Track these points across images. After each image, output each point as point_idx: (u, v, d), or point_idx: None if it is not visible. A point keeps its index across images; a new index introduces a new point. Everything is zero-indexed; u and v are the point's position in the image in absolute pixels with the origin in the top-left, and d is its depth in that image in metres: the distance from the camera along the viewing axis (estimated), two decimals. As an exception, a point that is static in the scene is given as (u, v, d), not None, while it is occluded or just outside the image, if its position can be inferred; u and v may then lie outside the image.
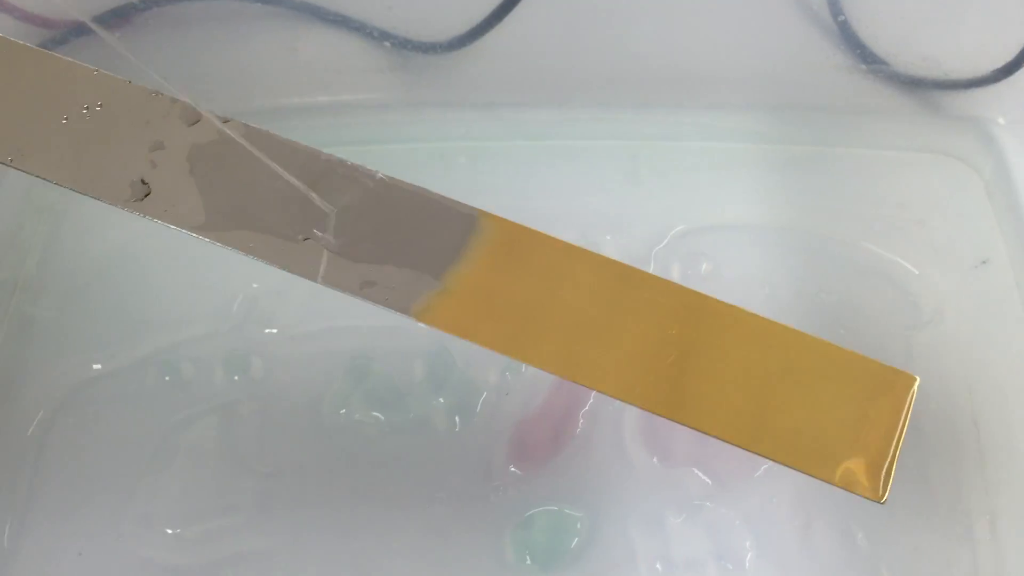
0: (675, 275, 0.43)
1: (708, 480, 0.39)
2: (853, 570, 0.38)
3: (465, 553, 0.38)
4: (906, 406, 0.23)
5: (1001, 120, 0.45)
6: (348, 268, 0.24)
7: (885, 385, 0.23)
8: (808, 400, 0.23)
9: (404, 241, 0.24)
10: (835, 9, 0.43)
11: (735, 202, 0.45)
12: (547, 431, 0.40)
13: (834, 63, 0.44)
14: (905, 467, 0.39)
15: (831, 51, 0.44)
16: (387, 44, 0.45)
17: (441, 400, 0.41)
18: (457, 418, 0.40)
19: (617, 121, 0.46)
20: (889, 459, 0.23)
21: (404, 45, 0.45)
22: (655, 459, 0.39)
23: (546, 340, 0.24)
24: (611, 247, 0.43)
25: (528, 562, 0.38)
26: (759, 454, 0.23)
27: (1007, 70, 0.43)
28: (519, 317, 0.24)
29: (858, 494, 0.23)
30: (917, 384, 0.23)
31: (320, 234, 0.24)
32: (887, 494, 0.23)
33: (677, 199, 0.45)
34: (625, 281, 0.24)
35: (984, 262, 0.43)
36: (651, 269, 0.43)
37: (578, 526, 0.38)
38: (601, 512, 0.39)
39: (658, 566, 0.38)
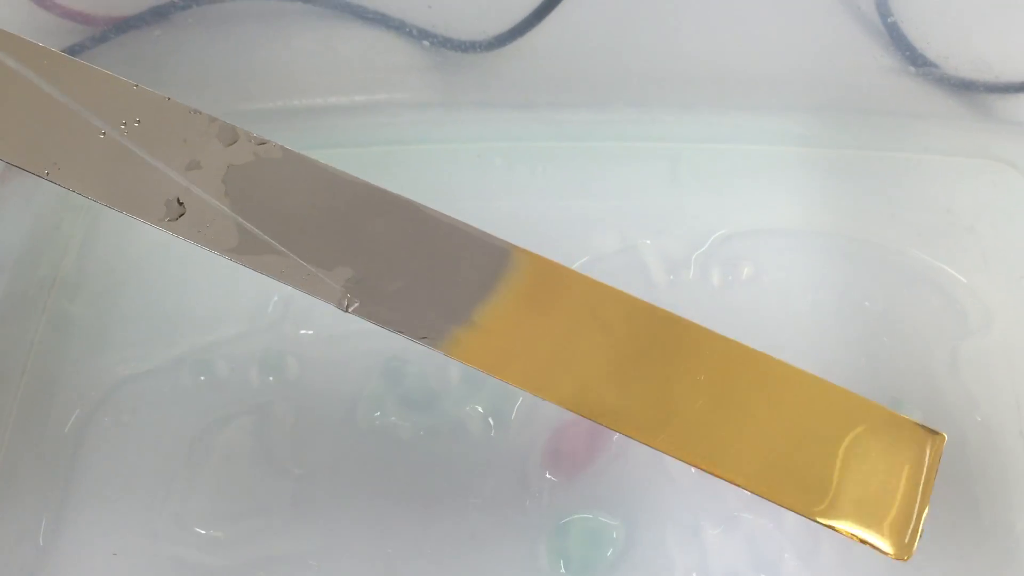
0: (715, 280, 0.42)
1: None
2: (896, 585, 0.37)
3: (499, 560, 0.38)
4: (932, 465, 0.23)
5: (1054, 125, 0.44)
6: (377, 299, 0.24)
7: (913, 442, 0.23)
8: (835, 455, 0.23)
9: (435, 273, 0.24)
10: (884, 10, 0.42)
11: (778, 206, 0.44)
12: (583, 438, 0.39)
13: (882, 65, 0.43)
14: (950, 480, 0.38)
15: (879, 53, 0.43)
16: (426, 43, 0.44)
17: (476, 404, 0.40)
18: (492, 423, 0.40)
19: (658, 123, 0.46)
20: (915, 519, 0.23)
21: (443, 44, 0.45)
22: (693, 468, 0.38)
23: (573, 380, 0.24)
24: (651, 251, 0.43)
25: (563, 570, 0.37)
26: (782, 506, 0.23)
27: (1061, 74, 0.42)
28: (548, 356, 0.24)
29: (882, 553, 0.22)
30: (945, 443, 0.23)
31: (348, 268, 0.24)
32: (912, 553, 0.22)
33: (719, 202, 0.44)
34: (656, 323, 0.24)
35: (1034, 271, 0.42)
36: (691, 273, 0.42)
37: (614, 535, 0.38)
38: (638, 521, 0.38)
39: (695, 577, 0.37)
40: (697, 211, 0.44)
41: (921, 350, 0.41)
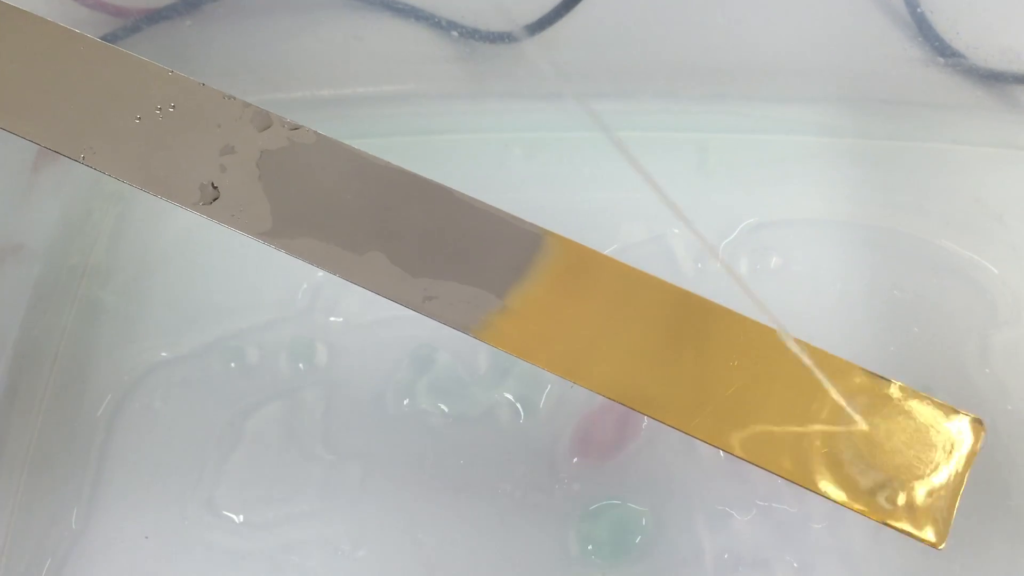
0: (744, 269, 0.42)
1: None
2: (926, 574, 0.37)
3: (528, 545, 0.38)
4: (971, 453, 0.23)
5: (1083, 115, 0.44)
6: (410, 282, 0.24)
7: (952, 429, 0.23)
8: (870, 440, 0.23)
9: (468, 257, 0.24)
10: (912, 1, 0.42)
11: (806, 196, 0.44)
12: (612, 424, 0.39)
13: (910, 56, 0.43)
14: (980, 469, 0.38)
15: (907, 43, 0.43)
16: (454, 34, 0.45)
17: (505, 392, 0.40)
18: (521, 409, 0.40)
19: (686, 113, 0.46)
20: (950, 505, 0.22)
21: (471, 35, 0.45)
22: (722, 453, 0.39)
23: (606, 365, 0.24)
24: (678, 240, 0.43)
25: (592, 556, 0.38)
26: (816, 492, 0.23)
27: (1091, 64, 0.42)
28: (580, 340, 0.24)
29: (916, 539, 0.22)
30: (985, 430, 0.23)
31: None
32: (946, 540, 0.22)
33: (747, 192, 0.44)
34: (690, 309, 0.24)
35: (1064, 261, 0.42)
36: (719, 263, 0.42)
37: (643, 521, 0.38)
38: (666, 508, 0.38)
39: (725, 564, 0.37)
40: (725, 201, 0.44)
41: (951, 340, 0.40)
